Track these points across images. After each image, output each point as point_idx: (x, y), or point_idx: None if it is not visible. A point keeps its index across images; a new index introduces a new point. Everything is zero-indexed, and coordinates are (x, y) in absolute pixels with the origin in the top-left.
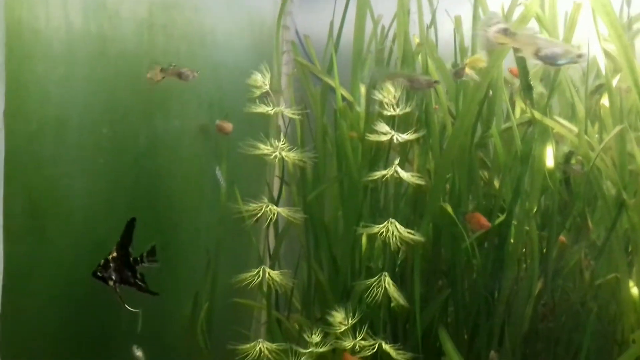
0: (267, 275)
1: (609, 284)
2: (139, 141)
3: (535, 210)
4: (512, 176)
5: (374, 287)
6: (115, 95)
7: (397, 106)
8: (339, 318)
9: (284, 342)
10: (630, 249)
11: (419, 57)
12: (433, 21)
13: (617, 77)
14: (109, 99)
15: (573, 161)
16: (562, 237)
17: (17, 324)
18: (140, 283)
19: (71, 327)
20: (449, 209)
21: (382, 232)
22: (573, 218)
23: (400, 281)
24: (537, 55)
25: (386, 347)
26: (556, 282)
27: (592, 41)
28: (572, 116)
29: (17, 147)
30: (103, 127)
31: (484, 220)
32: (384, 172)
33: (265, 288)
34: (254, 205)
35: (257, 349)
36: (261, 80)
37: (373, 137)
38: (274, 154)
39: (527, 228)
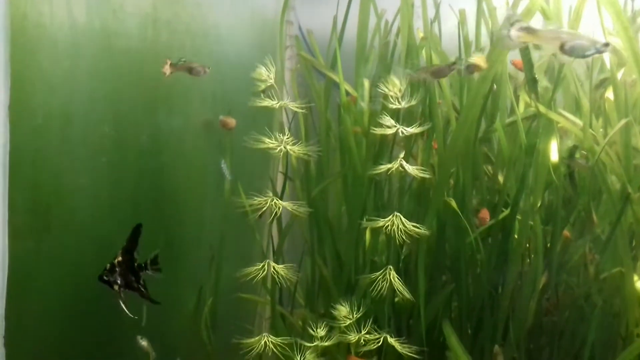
0: (271, 269)
1: (613, 278)
2: (143, 136)
3: (539, 204)
4: (516, 171)
5: (378, 281)
6: (119, 90)
7: (402, 100)
8: (344, 312)
9: (288, 337)
10: (634, 243)
11: (423, 51)
12: (437, 15)
13: (622, 71)
14: (113, 93)
15: (577, 155)
16: (566, 232)
17: (21, 320)
18: (142, 289)
19: (76, 322)
20: (453, 203)
21: (387, 225)
22: (577, 212)
23: (404, 276)
24: (562, 49)
25: (391, 340)
26: (560, 277)
27: (596, 35)
28: (576, 110)
29: (23, 142)
30: (107, 122)
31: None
32: (389, 165)
33: (269, 283)
34: (258, 199)
35: (262, 343)
36: (266, 73)
37: (378, 131)
38: (278, 148)
39: (532, 223)
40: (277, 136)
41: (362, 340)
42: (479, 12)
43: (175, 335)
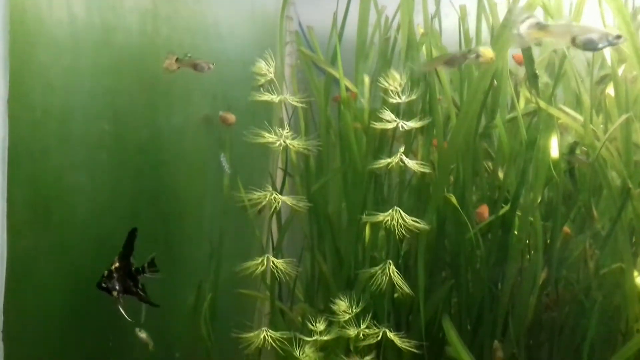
0: (270, 264)
1: (613, 274)
2: (142, 132)
3: (539, 200)
4: (516, 167)
5: (378, 275)
6: (118, 85)
7: (402, 95)
8: (343, 307)
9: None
10: (634, 239)
11: (423, 47)
12: (437, 11)
13: (623, 67)
14: (112, 88)
15: (578, 151)
16: (566, 228)
17: (20, 315)
18: (141, 293)
19: (75, 317)
20: (453, 199)
21: (387, 220)
22: (578, 208)
23: (404, 272)
24: (573, 43)
25: (390, 335)
26: (560, 273)
27: None
28: (577, 106)
29: (22, 136)
30: (107, 117)
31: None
32: (389, 160)
33: (268, 278)
34: (258, 193)
35: (261, 337)
36: (266, 68)
37: (378, 125)
38: (278, 142)
39: (532, 219)
40: (277, 131)
41: (361, 335)
42: (480, 7)
43: (174, 330)
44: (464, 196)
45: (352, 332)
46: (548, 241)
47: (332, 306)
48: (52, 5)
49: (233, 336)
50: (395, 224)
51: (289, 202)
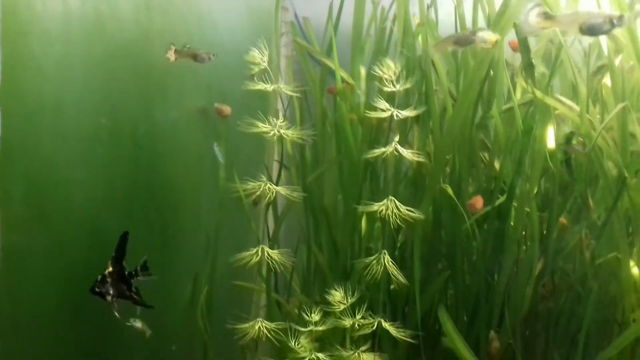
0: (265, 255)
1: (609, 264)
2: (137, 123)
3: (535, 191)
4: (512, 157)
5: (373, 265)
6: (112, 76)
7: (397, 83)
8: (338, 297)
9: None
10: (631, 229)
11: (419, 37)
12: (433, 1)
13: (620, 57)
14: (106, 78)
15: (574, 142)
16: (562, 219)
17: (14, 312)
18: (135, 296)
19: (70, 314)
20: (449, 190)
21: (382, 210)
22: (574, 199)
23: (400, 264)
24: (581, 30)
25: (385, 325)
26: (556, 263)
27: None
28: (574, 96)
29: (14, 129)
30: (100, 109)
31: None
32: (383, 149)
33: (264, 269)
34: (252, 183)
35: (256, 328)
36: (259, 56)
37: (373, 114)
38: (272, 132)
39: (528, 209)
40: (271, 121)
41: (356, 325)
42: None
43: (171, 323)
44: (460, 187)
45: (347, 322)
46: (544, 232)
47: (328, 297)
48: None
49: (229, 328)
50: (390, 213)
51: (283, 192)
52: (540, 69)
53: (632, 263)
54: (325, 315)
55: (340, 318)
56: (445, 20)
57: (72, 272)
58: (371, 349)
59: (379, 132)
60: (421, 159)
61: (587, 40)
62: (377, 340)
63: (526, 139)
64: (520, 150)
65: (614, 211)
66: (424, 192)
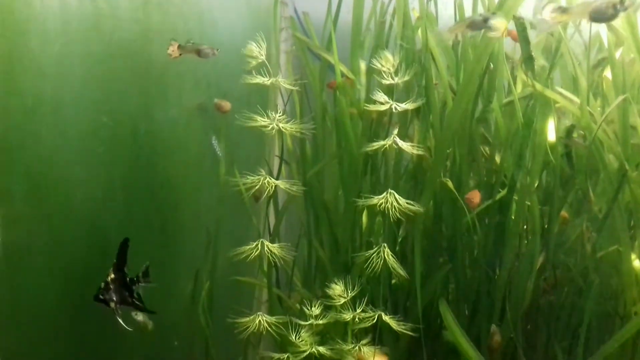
0: (265, 249)
1: (610, 257)
2: (137, 121)
3: (536, 184)
4: (513, 151)
5: (373, 258)
6: (112, 73)
7: (396, 75)
8: (339, 290)
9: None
10: (632, 222)
11: (419, 31)
12: None
13: (620, 50)
14: (105, 76)
15: (575, 135)
16: (564, 213)
17: (14, 310)
18: (138, 303)
19: (68, 308)
20: (450, 184)
21: (382, 203)
22: (575, 192)
23: (401, 258)
24: (590, 17)
25: (386, 318)
26: (557, 257)
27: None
28: (574, 89)
29: (12, 126)
30: (99, 106)
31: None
32: (383, 142)
33: (265, 264)
34: (252, 178)
35: (257, 322)
36: (257, 50)
37: (372, 107)
38: (271, 126)
39: (529, 203)
40: (271, 115)
41: (357, 319)
42: None
43: (172, 319)
44: (461, 181)
45: (348, 316)
46: (545, 225)
47: (329, 292)
48: None
49: (230, 323)
50: (390, 206)
51: (282, 186)
52: (540, 61)
53: (633, 256)
54: (327, 309)
55: (341, 312)
56: (444, 14)
57: (72, 270)
58: (372, 343)
59: (379, 126)
60: (421, 152)
61: (587, 32)
62: (378, 334)
63: (527, 132)
64: (521, 143)
65: (615, 204)
66: (424, 186)
